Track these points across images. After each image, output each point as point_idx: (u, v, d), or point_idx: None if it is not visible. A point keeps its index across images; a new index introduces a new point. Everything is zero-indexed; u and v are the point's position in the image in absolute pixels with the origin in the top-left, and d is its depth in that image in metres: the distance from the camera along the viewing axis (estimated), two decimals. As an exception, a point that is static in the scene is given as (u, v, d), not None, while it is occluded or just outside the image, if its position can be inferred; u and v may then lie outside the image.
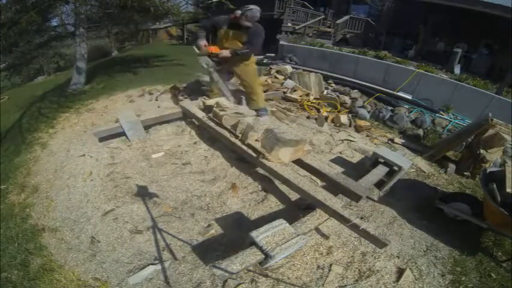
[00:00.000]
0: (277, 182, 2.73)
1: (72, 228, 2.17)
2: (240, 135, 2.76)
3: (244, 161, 3.02)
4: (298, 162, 2.64)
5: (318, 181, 2.75)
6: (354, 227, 1.90)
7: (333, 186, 2.37)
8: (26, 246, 2.04)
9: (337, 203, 2.05)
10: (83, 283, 1.77)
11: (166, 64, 8.22)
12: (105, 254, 1.96)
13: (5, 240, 2.09)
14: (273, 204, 2.51)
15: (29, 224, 2.23)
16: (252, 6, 3.12)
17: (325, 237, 2.20)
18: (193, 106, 3.55)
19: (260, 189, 2.68)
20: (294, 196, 2.61)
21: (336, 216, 2.00)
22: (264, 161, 2.46)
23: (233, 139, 2.79)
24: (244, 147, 2.65)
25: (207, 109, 3.39)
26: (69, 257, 1.94)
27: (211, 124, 3.09)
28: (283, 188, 2.68)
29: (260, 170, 2.86)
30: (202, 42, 3.34)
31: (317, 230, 2.21)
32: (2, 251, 2.00)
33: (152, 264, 1.88)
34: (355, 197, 2.24)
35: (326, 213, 2.08)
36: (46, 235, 2.12)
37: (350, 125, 4.38)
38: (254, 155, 2.54)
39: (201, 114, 3.33)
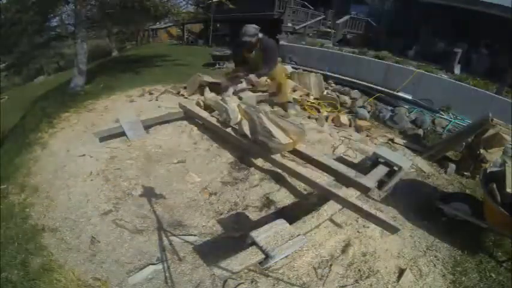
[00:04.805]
0: (277, 182, 2.74)
1: (72, 228, 2.17)
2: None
3: (245, 161, 3.03)
4: (307, 159, 2.67)
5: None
6: (368, 215, 1.99)
7: (343, 180, 2.42)
8: (26, 246, 2.03)
9: (349, 194, 2.16)
10: (83, 283, 1.77)
11: (166, 64, 8.22)
12: (105, 254, 1.96)
13: (5, 240, 2.09)
14: (273, 204, 2.51)
15: (29, 224, 2.23)
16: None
17: (326, 237, 2.20)
18: (195, 106, 3.56)
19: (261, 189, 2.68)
20: (294, 196, 2.62)
21: (349, 205, 2.11)
22: (275, 157, 2.54)
23: (239, 136, 2.85)
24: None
25: (207, 108, 3.41)
26: (69, 257, 1.94)
27: (215, 122, 3.13)
28: (284, 188, 2.68)
29: (259, 169, 2.86)
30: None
31: (317, 229, 2.21)
32: (2, 251, 2.00)
33: (152, 264, 1.88)
34: (364, 189, 2.29)
35: (339, 204, 2.17)
36: (46, 235, 2.12)
37: (350, 125, 4.38)
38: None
39: (205, 114, 3.35)
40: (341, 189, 2.26)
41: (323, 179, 2.45)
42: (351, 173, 2.37)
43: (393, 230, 1.96)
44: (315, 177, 2.39)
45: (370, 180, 2.35)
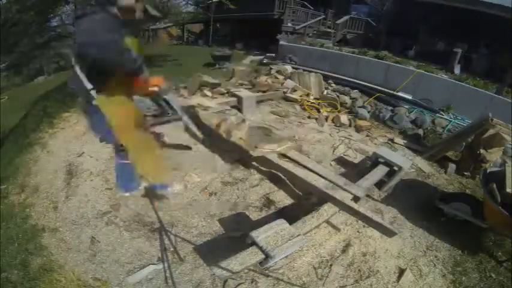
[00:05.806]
0: (277, 183, 2.73)
1: (72, 228, 2.17)
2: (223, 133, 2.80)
3: (244, 162, 3.03)
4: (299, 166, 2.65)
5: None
6: (365, 218, 1.99)
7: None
8: (26, 246, 2.03)
9: (346, 197, 2.15)
10: (83, 283, 1.77)
11: (166, 64, 8.22)
12: (105, 254, 1.96)
13: (5, 240, 2.09)
14: (273, 204, 2.51)
15: (29, 224, 2.23)
16: None
17: (326, 237, 2.20)
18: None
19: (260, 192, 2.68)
20: (293, 197, 2.61)
21: (345, 208, 2.10)
22: (272, 159, 2.56)
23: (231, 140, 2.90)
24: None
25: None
26: (69, 257, 1.94)
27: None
28: (283, 188, 2.68)
29: (259, 170, 2.86)
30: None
31: (317, 229, 2.21)
32: (2, 251, 2.00)
33: (153, 264, 1.88)
34: (354, 198, 2.25)
35: (336, 206, 2.15)
36: (46, 235, 2.12)
37: (350, 125, 4.38)
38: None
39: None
40: (338, 191, 2.24)
41: (320, 182, 2.41)
42: (340, 180, 2.35)
43: (390, 233, 1.94)
44: (312, 179, 2.36)
45: (360, 189, 2.30)
